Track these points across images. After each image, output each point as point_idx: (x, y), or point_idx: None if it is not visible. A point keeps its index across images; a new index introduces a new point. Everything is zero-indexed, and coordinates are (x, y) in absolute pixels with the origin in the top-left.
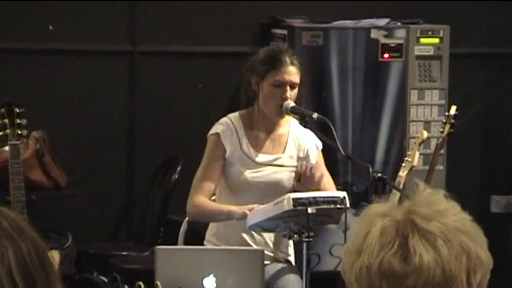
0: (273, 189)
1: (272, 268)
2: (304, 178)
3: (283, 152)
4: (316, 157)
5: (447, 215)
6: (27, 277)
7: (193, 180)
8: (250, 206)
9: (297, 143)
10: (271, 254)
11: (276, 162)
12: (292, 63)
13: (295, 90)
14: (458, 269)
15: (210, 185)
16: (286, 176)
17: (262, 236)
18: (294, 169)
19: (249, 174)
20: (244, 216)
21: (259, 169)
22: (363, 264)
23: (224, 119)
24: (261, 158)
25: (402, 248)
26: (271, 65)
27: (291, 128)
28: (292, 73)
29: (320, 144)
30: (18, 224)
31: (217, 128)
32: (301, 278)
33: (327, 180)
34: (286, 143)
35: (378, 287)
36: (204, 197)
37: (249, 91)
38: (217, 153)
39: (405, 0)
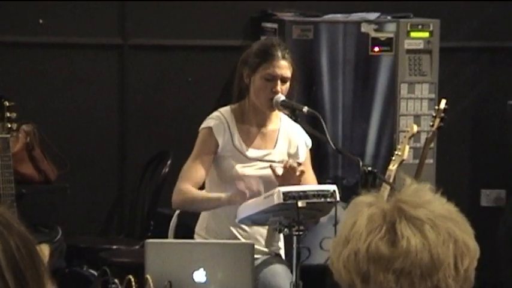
0: (264, 184)
1: (262, 262)
2: (283, 176)
3: (274, 148)
4: (305, 154)
5: (434, 204)
6: (17, 273)
7: (182, 171)
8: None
9: (287, 139)
10: (261, 248)
11: (266, 158)
12: (284, 58)
13: (287, 85)
14: (446, 254)
15: (198, 175)
16: (276, 171)
17: (252, 229)
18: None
19: (240, 168)
20: (233, 200)
21: (250, 164)
22: (351, 251)
23: (216, 113)
24: (252, 152)
25: (390, 232)
26: (263, 58)
27: (281, 124)
28: (284, 67)
29: (309, 142)
30: (6, 219)
31: (209, 122)
32: (291, 271)
33: (310, 177)
34: (277, 139)
35: (366, 271)
36: (190, 185)
37: (242, 84)
38: (209, 146)
39: None
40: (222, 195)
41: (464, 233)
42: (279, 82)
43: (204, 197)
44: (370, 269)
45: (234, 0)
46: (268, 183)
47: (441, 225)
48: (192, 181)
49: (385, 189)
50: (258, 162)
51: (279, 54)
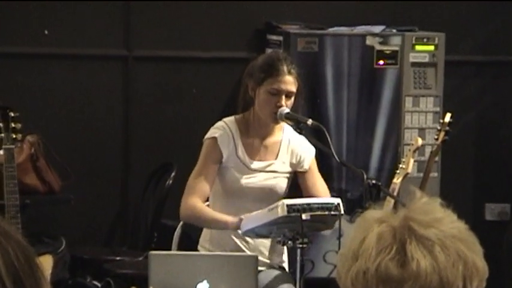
0: (267, 195)
1: (266, 274)
2: None
3: (276, 158)
4: (309, 163)
5: (444, 222)
6: (16, 280)
7: (188, 182)
8: (246, 215)
9: (290, 149)
10: (265, 260)
11: (268, 169)
12: (289, 73)
13: (292, 99)
14: (455, 276)
15: (205, 188)
16: (279, 182)
17: (255, 241)
18: (287, 175)
19: (243, 180)
20: (239, 226)
21: (253, 175)
22: (359, 268)
23: (220, 123)
24: (254, 164)
25: (400, 253)
26: (268, 73)
27: (284, 134)
28: (289, 82)
29: (313, 151)
30: (3, 227)
31: (214, 132)
32: (295, 284)
33: (321, 186)
34: (279, 150)
35: None
36: (198, 199)
37: (246, 96)
38: (214, 156)
39: (401, 8)
40: (229, 220)
41: (474, 253)
42: (283, 97)
43: (211, 217)
44: None
45: (239, 7)
46: (271, 195)
47: (451, 246)
48: (199, 194)
49: (389, 202)
50: (261, 173)
51: (285, 69)
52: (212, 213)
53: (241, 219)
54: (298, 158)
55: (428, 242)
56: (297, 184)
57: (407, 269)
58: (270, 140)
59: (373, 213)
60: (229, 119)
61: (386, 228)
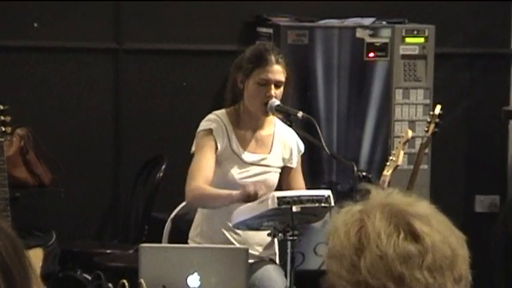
0: None
1: (256, 267)
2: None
3: (270, 153)
4: (297, 159)
5: (416, 201)
6: (5, 271)
7: (188, 172)
8: (252, 185)
9: (282, 143)
10: (256, 253)
11: (262, 162)
12: (277, 62)
13: (281, 89)
14: (456, 244)
15: (207, 174)
16: (271, 176)
17: (246, 234)
18: (279, 170)
19: (237, 172)
20: (244, 196)
21: (246, 168)
22: (373, 256)
23: (212, 116)
24: (248, 157)
25: (409, 231)
26: (256, 63)
27: (276, 128)
28: (278, 72)
29: (302, 147)
30: None
31: (209, 124)
32: (285, 276)
33: (300, 183)
34: (272, 144)
35: (400, 273)
36: (201, 182)
37: (235, 89)
38: (211, 146)
39: (390, 0)
40: (233, 192)
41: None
42: (272, 87)
43: (216, 193)
44: (403, 270)
45: (229, 0)
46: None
47: (439, 218)
48: (202, 178)
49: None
50: (254, 167)
51: (273, 58)
52: (216, 190)
53: (244, 190)
54: (290, 153)
55: (424, 218)
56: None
57: (423, 244)
58: (262, 133)
59: (350, 209)
60: (221, 112)
61: (380, 215)
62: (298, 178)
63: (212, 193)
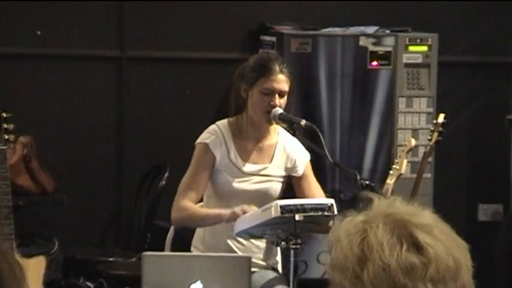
0: (260, 199)
1: (259, 275)
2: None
3: (271, 162)
4: (303, 168)
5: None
6: None
7: (179, 186)
8: (239, 207)
9: (285, 153)
10: (259, 261)
11: (263, 172)
12: (281, 72)
13: (285, 98)
14: (459, 254)
15: (196, 193)
16: (273, 185)
17: (248, 242)
18: (281, 179)
19: (236, 183)
20: (234, 216)
21: (246, 178)
22: (377, 267)
23: (213, 127)
24: (248, 167)
25: (412, 242)
26: (260, 73)
27: (279, 138)
28: (282, 81)
29: (308, 156)
30: None
31: (206, 136)
32: (288, 285)
33: (317, 191)
34: (274, 153)
35: (403, 285)
36: (189, 202)
37: (239, 98)
38: (206, 161)
39: (394, 8)
40: (222, 212)
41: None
42: (276, 96)
43: (204, 213)
44: (406, 282)
45: (232, 8)
46: (264, 198)
47: (442, 227)
48: (190, 197)
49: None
50: (254, 177)
51: (277, 68)
52: (204, 210)
53: (234, 212)
54: (293, 162)
55: (427, 227)
56: (292, 187)
57: (426, 255)
58: (265, 143)
59: (352, 219)
60: (222, 122)
61: (383, 226)
62: (311, 185)
63: (201, 214)
